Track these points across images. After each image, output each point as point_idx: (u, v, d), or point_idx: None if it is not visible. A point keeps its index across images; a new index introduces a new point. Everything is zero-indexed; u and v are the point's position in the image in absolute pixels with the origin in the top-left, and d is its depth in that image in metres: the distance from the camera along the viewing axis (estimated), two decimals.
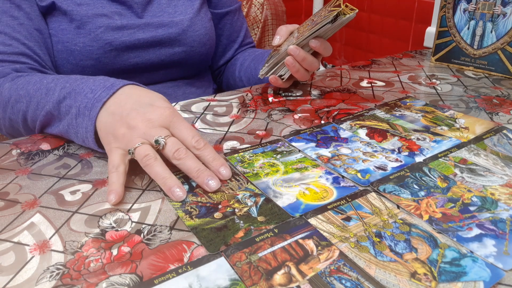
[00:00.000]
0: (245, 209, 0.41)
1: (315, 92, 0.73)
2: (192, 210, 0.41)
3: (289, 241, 0.37)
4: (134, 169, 0.49)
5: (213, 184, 0.44)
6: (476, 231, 0.38)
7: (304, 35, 0.64)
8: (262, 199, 0.43)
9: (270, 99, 0.70)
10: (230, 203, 0.42)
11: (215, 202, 0.42)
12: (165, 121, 0.46)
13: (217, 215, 0.40)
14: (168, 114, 0.47)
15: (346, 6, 0.62)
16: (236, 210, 0.41)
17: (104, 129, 0.47)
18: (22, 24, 0.63)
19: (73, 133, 0.51)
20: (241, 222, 0.39)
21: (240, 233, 0.38)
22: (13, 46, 0.62)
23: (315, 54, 0.67)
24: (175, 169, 0.46)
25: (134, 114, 0.46)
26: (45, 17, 0.67)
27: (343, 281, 0.32)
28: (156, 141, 0.44)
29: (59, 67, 0.68)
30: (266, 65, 0.70)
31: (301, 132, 0.57)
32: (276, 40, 0.71)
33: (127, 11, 0.71)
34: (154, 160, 0.43)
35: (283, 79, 0.69)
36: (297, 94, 0.72)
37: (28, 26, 0.64)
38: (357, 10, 0.62)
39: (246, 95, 0.72)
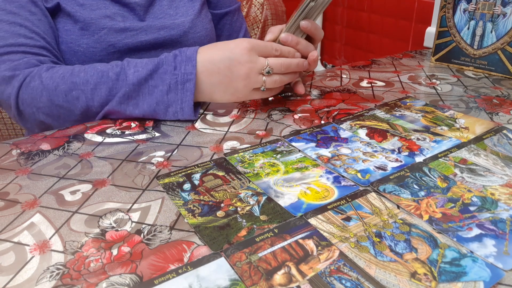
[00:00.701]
0: (248, 207, 0.41)
1: (315, 92, 0.73)
2: (194, 208, 0.41)
3: (289, 241, 0.37)
4: (134, 169, 0.49)
5: (305, 63, 0.63)
6: (476, 231, 0.38)
7: (292, 20, 0.63)
8: (264, 198, 0.43)
9: (270, 98, 0.70)
10: (233, 202, 0.42)
11: (218, 200, 0.42)
12: (252, 53, 0.57)
13: (220, 213, 0.40)
14: (246, 50, 0.57)
15: None
16: (239, 208, 0.41)
17: (216, 88, 0.59)
18: (40, 20, 0.64)
19: (162, 109, 0.59)
20: (244, 221, 0.39)
21: (243, 232, 0.38)
22: (34, 39, 0.63)
23: (309, 40, 0.67)
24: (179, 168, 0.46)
25: (234, 71, 0.57)
26: (51, 17, 0.67)
27: (343, 281, 0.32)
28: (266, 71, 0.58)
29: None
30: None
31: (301, 132, 0.57)
32: (268, 37, 0.70)
33: (129, 13, 0.71)
34: (285, 60, 0.60)
35: None
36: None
37: (45, 22, 0.65)
38: None
39: None
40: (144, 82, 0.57)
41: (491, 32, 0.81)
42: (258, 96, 0.61)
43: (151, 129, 0.59)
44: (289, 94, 0.72)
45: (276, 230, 0.38)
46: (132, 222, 0.40)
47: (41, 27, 0.64)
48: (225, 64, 0.57)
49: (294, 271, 0.33)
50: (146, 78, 0.57)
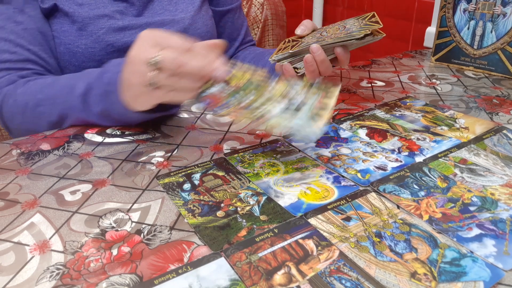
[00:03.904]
0: (248, 208, 0.41)
1: None
2: (194, 208, 0.41)
3: (289, 241, 0.37)
4: (134, 169, 0.49)
5: (222, 70, 0.45)
6: (476, 231, 0.38)
7: (332, 40, 0.63)
8: (264, 198, 0.43)
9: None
10: (233, 202, 0.42)
11: (218, 200, 0.42)
12: (151, 40, 0.45)
13: (220, 213, 0.40)
14: (148, 33, 0.46)
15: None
16: (239, 209, 0.41)
17: (124, 87, 0.49)
18: (26, 29, 0.64)
19: (115, 114, 0.54)
20: (244, 221, 0.39)
21: (243, 232, 0.38)
22: (17, 54, 0.63)
23: (331, 61, 0.67)
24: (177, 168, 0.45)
25: (130, 52, 0.47)
26: (47, 18, 0.67)
27: (343, 281, 0.32)
28: (152, 62, 0.43)
29: (62, 69, 0.69)
30: (281, 53, 0.69)
31: None
32: (299, 30, 0.70)
33: (129, 8, 0.71)
34: (182, 56, 0.44)
35: (298, 73, 0.69)
36: None
37: (32, 30, 0.65)
38: (384, 35, 0.63)
39: None
40: (89, 91, 0.53)
41: (491, 32, 0.81)
42: (157, 98, 0.47)
43: (151, 129, 0.59)
44: None
45: (276, 230, 0.38)
46: (132, 222, 0.40)
47: (27, 36, 0.64)
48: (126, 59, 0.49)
49: (294, 271, 0.33)
50: (89, 88, 0.53)
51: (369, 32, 0.61)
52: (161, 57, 0.43)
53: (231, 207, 0.41)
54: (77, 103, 0.55)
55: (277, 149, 0.53)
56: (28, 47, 0.64)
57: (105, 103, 0.53)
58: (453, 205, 0.42)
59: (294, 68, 0.69)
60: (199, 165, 0.49)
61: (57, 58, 0.68)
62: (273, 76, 0.50)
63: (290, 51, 0.68)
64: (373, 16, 0.65)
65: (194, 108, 0.66)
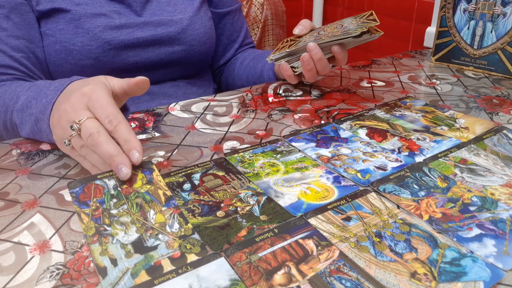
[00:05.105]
0: (248, 208, 0.41)
1: (315, 92, 0.73)
2: (194, 208, 0.41)
3: (289, 241, 0.37)
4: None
5: (124, 171, 0.40)
6: (476, 231, 0.38)
7: (329, 38, 0.63)
8: (264, 198, 0.43)
9: (270, 99, 0.70)
10: (233, 202, 0.42)
11: (218, 200, 0.42)
12: (82, 102, 0.43)
13: (220, 213, 0.40)
14: (82, 94, 0.44)
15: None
16: (239, 209, 0.41)
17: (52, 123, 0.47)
18: (10, 36, 0.64)
19: (39, 137, 0.53)
20: (244, 221, 0.39)
21: (243, 232, 0.38)
22: None
23: (330, 60, 0.67)
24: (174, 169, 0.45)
25: (63, 104, 0.45)
26: (42, 18, 0.67)
27: (343, 281, 0.32)
28: (72, 126, 0.42)
29: (58, 68, 0.68)
30: (278, 52, 0.70)
31: (301, 132, 0.57)
32: (297, 30, 0.71)
33: (126, 9, 0.71)
34: (98, 135, 0.40)
35: (295, 72, 0.69)
36: (297, 94, 0.72)
37: (16, 37, 0.65)
38: (382, 33, 0.63)
39: (246, 95, 0.72)
40: (26, 109, 0.52)
41: (491, 32, 0.81)
42: (72, 155, 0.47)
43: (151, 129, 0.59)
44: (289, 94, 0.72)
45: (276, 230, 0.38)
46: None
47: (10, 43, 0.64)
48: (62, 97, 0.47)
49: (294, 271, 0.33)
50: (27, 105, 0.52)
51: (366, 29, 0.61)
52: (80, 127, 0.42)
53: (231, 207, 0.41)
54: (15, 116, 0.55)
55: (277, 149, 0.53)
56: (11, 53, 0.64)
57: (32, 126, 0.51)
58: (453, 205, 0.42)
59: (292, 67, 0.69)
60: (199, 165, 0.49)
61: (44, 63, 0.68)
62: (171, 201, 0.41)
63: (287, 50, 0.68)
64: (371, 14, 0.65)
65: (194, 108, 0.66)
